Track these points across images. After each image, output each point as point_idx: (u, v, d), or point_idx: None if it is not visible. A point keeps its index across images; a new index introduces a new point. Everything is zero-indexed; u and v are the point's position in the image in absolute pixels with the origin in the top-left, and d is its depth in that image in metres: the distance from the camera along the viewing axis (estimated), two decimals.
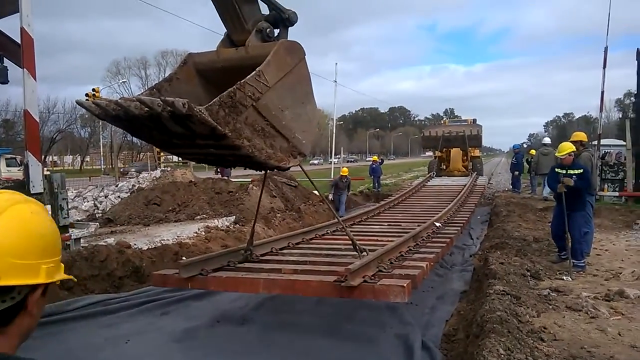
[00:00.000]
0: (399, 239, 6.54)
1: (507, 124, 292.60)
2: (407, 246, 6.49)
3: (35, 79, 6.94)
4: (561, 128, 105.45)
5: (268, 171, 5.18)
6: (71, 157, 76.71)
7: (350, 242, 5.29)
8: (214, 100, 3.54)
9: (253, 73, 3.79)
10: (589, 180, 7.58)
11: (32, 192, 7.03)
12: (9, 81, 7.32)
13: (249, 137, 3.80)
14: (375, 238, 7.55)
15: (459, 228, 9.10)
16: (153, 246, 8.90)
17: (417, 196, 15.69)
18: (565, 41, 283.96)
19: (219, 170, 25.61)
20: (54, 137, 61.99)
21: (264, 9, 4.53)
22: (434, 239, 7.48)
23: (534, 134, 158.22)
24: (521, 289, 5.86)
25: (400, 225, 9.28)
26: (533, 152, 21.52)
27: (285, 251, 6.69)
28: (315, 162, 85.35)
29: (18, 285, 1.08)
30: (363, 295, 4.47)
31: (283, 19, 4.47)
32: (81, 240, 8.04)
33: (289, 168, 4.49)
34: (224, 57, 4.44)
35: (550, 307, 5.40)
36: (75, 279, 1.39)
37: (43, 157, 59.94)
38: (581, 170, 7.48)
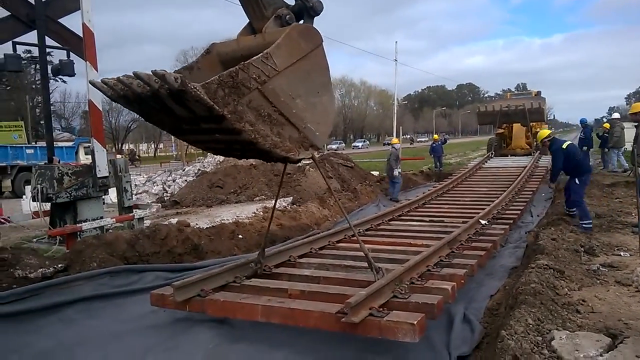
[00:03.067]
0: (430, 247, 6.04)
1: (586, 98, 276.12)
2: (439, 256, 5.92)
3: (97, 70, 7.51)
4: None
5: (296, 163, 4.81)
6: (146, 144, 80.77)
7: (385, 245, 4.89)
8: (212, 78, 3.31)
9: (260, 55, 3.56)
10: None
11: (98, 175, 7.66)
12: (75, 74, 7.94)
13: (251, 121, 3.52)
14: (408, 241, 7.18)
15: (507, 227, 8.56)
16: (212, 225, 9.38)
17: (470, 181, 15.05)
18: None
19: None
20: (129, 126, 65.44)
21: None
22: (473, 243, 6.95)
23: (614, 107, 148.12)
24: (570, 264, 5.74)
25: (443, 220, 8.94)
26: (607, 125, 20.23)
27: (303, 260, 6.23)
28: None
29: None
30: (367, 332, 3.94)
31: (307, 8, 4.28)
32: (144, 220, 8.64)
33: (299, 160, 4.12)
34: (243, 45, 4.26)
35: (598, 281, 5.26)
36: None
37: (120, 145, 63.54)
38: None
